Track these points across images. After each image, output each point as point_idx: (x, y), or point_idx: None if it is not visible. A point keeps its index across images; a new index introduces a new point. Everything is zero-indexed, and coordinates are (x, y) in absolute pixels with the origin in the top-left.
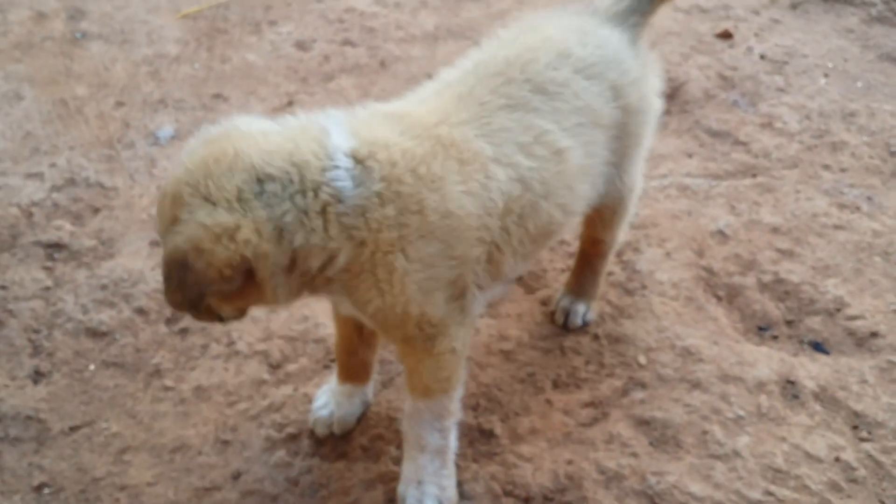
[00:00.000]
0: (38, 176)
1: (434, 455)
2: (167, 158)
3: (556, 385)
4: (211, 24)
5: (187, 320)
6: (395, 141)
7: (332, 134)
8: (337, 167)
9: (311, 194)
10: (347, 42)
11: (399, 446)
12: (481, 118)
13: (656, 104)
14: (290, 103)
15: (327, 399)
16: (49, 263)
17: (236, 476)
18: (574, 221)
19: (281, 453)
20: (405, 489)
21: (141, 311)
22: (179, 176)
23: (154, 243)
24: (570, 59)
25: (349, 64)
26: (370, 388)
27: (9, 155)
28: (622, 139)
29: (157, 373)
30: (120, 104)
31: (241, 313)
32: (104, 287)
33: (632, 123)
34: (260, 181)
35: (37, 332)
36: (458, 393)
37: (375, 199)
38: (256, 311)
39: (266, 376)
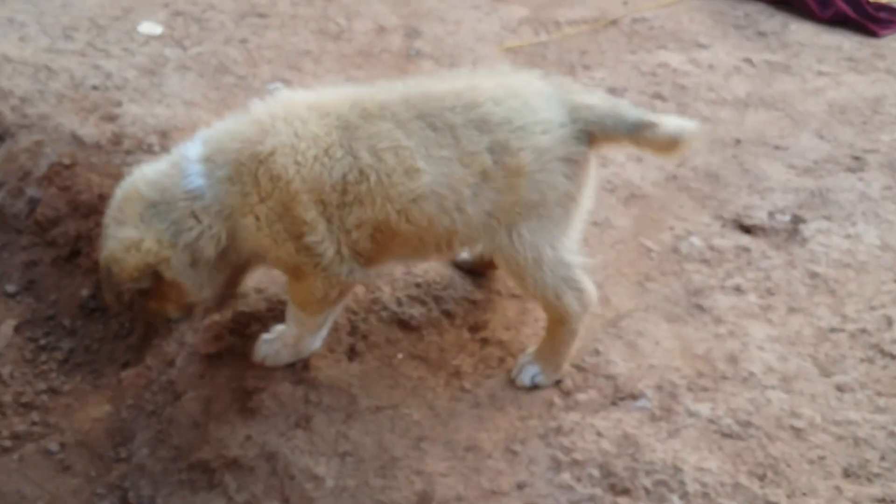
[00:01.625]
0: None
1: (290, 336)
2: None
3: (846, 474)
4: (529, 60)
5: (488, 330)
6: (238, 131)
7: (188, 150)
8: (189, 175)
9: (177, 205)
10: (658, 96)
11: None
12: (353, 117)
13: (568, 187)
14: None
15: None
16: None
17: (521, 487)
18: (428, 239)
19: (566, 476)
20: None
21: (448, 314)
22: (107, 210)
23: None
24: (471, 111)
25: None
26: None
27: None
28: (505, 196)
29: (457, 374)
30: None
31: (184, 311)
32: (418, 286)
33: (522, 187)
34: (150, 205)
35: (356, 314)
36: (320, 319)
37: (226, 182)
38: None
39: (556, 400)
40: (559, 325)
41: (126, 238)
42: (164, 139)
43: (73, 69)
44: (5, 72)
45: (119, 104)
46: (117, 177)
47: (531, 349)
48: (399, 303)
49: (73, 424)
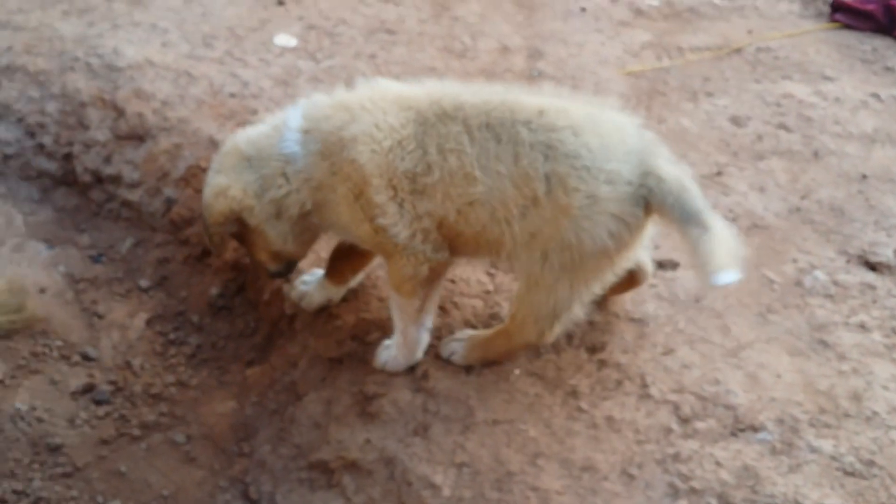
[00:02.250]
0: None
1: (399, 333)
2: None
3: None
4: (651, 85)
5: (606, 352)
6: (329, 115)
7: (289, 118)
8: (287, 140)
9: (270, 164)
10: (782, 126)
11: None
12: (430, 114)
13: (607, 244)
14: (719, 174)
15: (313, 280)
16: (492, 270)
17: None
18: (483, 243)
19: (682, 503)
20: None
21: (567, 336)
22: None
23: None
24: (546, 133)
25: (782, 147)
26: (340, 292)
27: None
28: (548, 226)
29: (574, 394)
30: None
31: (278, 263)
32: None
33: (564, 226)
34: (245, 158)
35: (474, 327)
36: (417, 303)
37: (318, 156)
38: (671, 362)
39: (674, 426)
40: (504, 335)
41: (217, 184)
42: None
43: (212, 76)
44: (148, 76)
45: (255, 112)
46: None
47: (470, 332)
48: None
49: (198, 418)
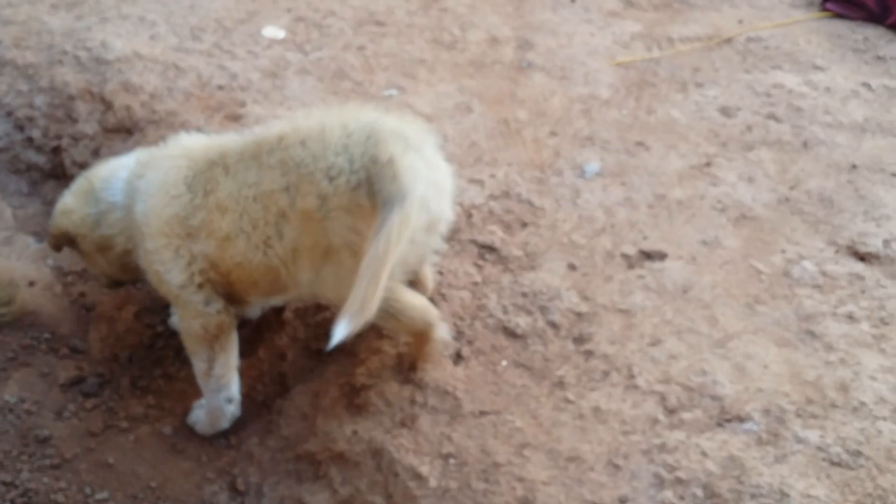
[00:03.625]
0: (479, 183)
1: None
2: (590, 192)
3: None
4: (641, 76)
5: (593, 343)
6: (133, 169)
7: (123, 163)
8: (112, 187)
9: (102, 205)
10: (772, 116)
11: None
12: (200, 162)
13: (350, 238)
14: (708, 164)
15: None
16: (480, 262)
17: (623, 501)
18: (257, 276)
19: (668, 493)
20: None
21: (553, 325)
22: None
23: (571, 266)
24: (281, 152)
25: (771, 138)
26: None
27: (457, 159)
28: (304, 238)
29: (561, 384)
30: (553, 133)
31: (111, 280)
32: (524, 295)
33: (314, 232)
34: (91, 191)
35: (462, 319)
36: (203, 365)
37: (120, 206)
38: (658, 353)
39: (661, 417)
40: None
41: (65, 204)
42: None
43: (201, 68)
44: (136, 68)
45: (243, 104)
46: None
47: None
48: (505, 311)
49: (186, 410)
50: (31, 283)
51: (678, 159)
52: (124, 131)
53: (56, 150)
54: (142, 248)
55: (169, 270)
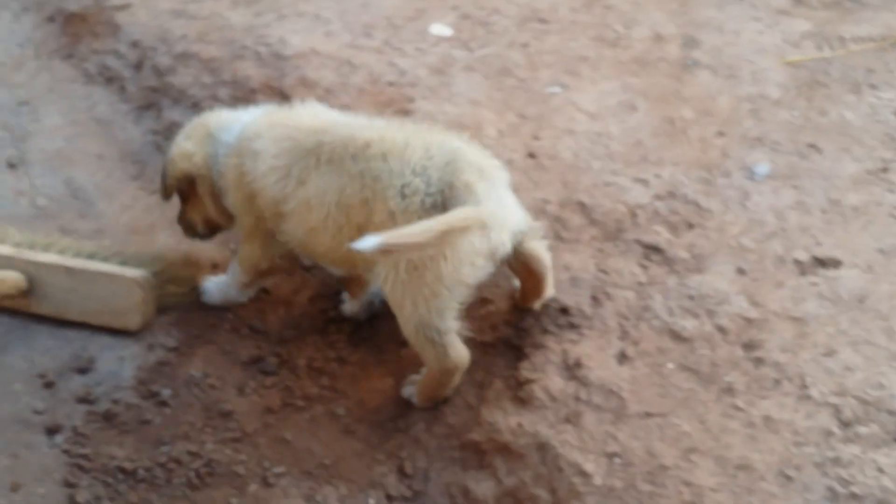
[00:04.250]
0: (644, 182)
1: (225, 284)
2: (760, 194)
3: None
4: (812, 76)
5: (764, 350)
6: (248, 127)
7: (246, 112)
8: (231, 130)
9: (216, 146)
10: None
11: None
12: (300, 149)
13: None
14: (885, 170)
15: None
16: (645, 262)
17: None
18: (335, 258)
19: None
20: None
21: (721, 329)
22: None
23: (740, 271)
24: (359, 162)
25: None
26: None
27: (621, 157)
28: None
29: (730, 390)
30: (720, 133)
31: (208, 227)
32: (691, 297)
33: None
34: (210, 135)
35: (626, 319)
36: (248, 280)
37: (231, 151)
38: (832, 364)
39: (835, 430)
40: (430, 371)
41: (185, 148)
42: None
43: (372, 65)
44: (313, 64)
45: (412, 100)
46: None
47: (416, 377)
48: (671, 312)
49: (357, 393)
50: (215, 265)
51: (852, 163)
52: None
53: None
54: (246, 200)
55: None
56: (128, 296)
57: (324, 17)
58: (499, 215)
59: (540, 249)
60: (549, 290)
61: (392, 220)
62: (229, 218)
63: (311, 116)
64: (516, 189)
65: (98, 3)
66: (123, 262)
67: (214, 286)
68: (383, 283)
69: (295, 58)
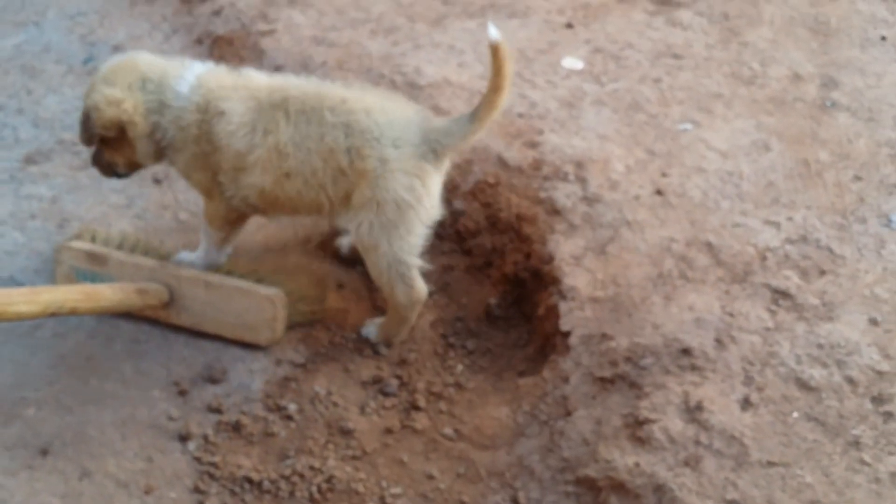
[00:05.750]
0: (775, 225)
1: (202, 249)
2: None
3: None
4: None
5: (894, 405)
6: (221, 86)
7: (194, 64)
8: (184, 80)
9: (164, 93)
10: None
11: None
12: (265, 104)
13: (405, 196)
14: None
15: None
16: (773, 307)
17: None
18: (300, 205)
19: None
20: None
21: (851, 381)
22: (98, 73)
23: (873, 321)
24: (346, 115)
25: None
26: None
27: (751, 198)
28: (355, 190)
29: (857, 444)
30: (857, 178)
31: (129, 168)
32: (820, 346)
33: (365, 187)
34: (143, 79)
35: (751, 364)
36: (221, 235)
37: (194, 109)
38: None
39: None
40: (392, 310)
41: (112, 95)
42: (580, 169)
43: None
44: (445, 94)
45: (541, 132)
46: (535, 200)
47: (379, 319)
48: (798, 360)
49: (473, 419)
50: (341, 286)
51: None
52: None
53: None
54: (202, 155)
55: (225, 185)
56: (261, 312)
57: (457, 48)
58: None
59: None
60: None
61: (384, 165)
62: (158, 159)
63: (263, 77)
64: (642, 225)
65: (245, 28)
66: (258, 280)
67: (195, 256)
68: (358, 226)
69: (428, 87)
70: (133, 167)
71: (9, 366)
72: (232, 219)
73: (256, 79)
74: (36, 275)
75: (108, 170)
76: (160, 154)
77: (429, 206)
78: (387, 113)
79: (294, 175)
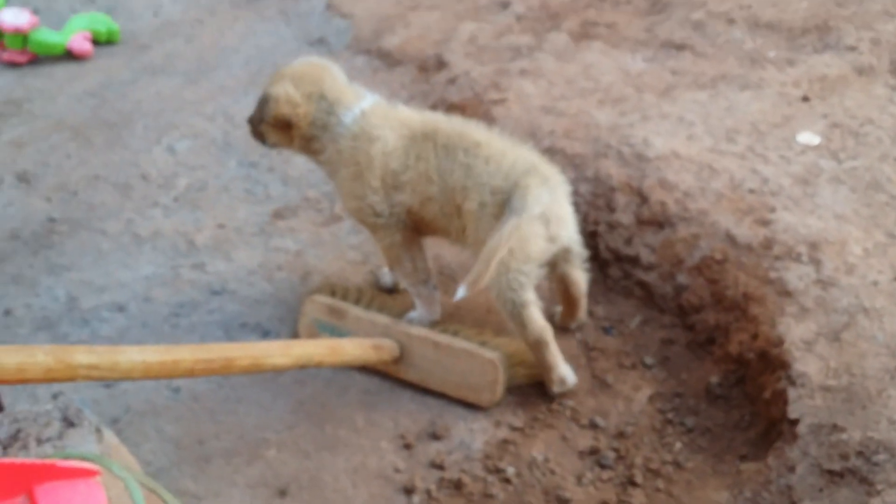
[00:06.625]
0: None
1: (415, 298)
2: None
3: None
4: None
5: None
6: (374, 118)
7: (363, 98)
8: (349, 110)
9: (330, 117)
10: None
11: None
12: (417, 133)
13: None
14: None
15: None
16: None
17: None
18: (443, 228)
19: None
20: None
21: None
22: (288, 67)
23: None
24: (469, 156)
25: None
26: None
27: None
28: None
29: None
30: None
31: (278, 146)
32: None
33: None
34: (321, 96)
35: None
36: (409, 265)
37: (352, 136)
38: None
39: None
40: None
41: (292, 96)
42: (813, 250)
43: (733, 170)
44: (673, 166)
45: (773, 209)
46: (764, 279)
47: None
48: None
49: (692, 501)
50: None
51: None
52: (656, 224)
53: (592, 235)
54: (357, 179)
55: (379, 203)
56: (484, 373)
57: (687, 120)
58: (555, 209)
59: (580, 275)
60: (583, 315)
61: (482, 209)
62: (310, 154)
63: (413, 112)
64: (880, 313)
65: (478, 97)
66: (482, 342)
67: (415, 315)
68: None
69: (656, 160)
70: (281, 146)
71: (254, 408)
72: (399, 242)
73: (410, 113)
74: (280, 323)
75: (259, 136)
76: (312, 152)
77: (522, 248)
78: (501, 162)
79: (434, 200)
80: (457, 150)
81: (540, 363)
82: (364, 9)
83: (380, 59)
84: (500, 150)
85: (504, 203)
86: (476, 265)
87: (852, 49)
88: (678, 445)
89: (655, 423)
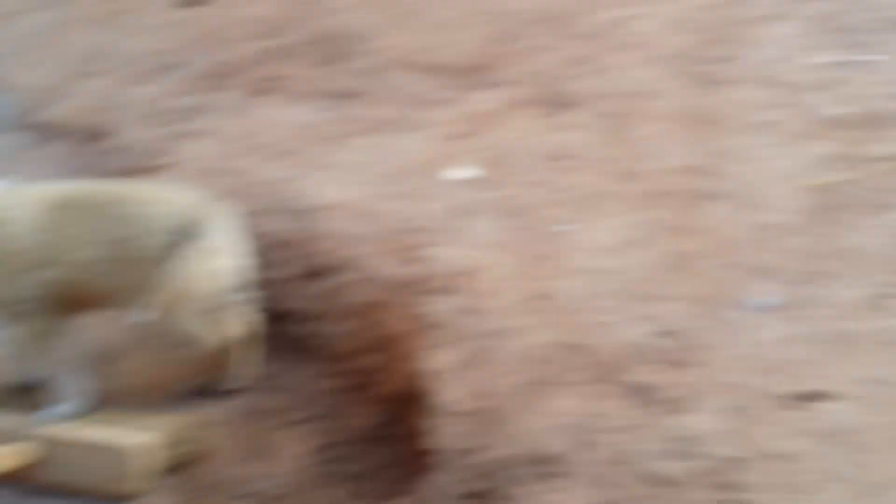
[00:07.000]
0: (643, 319)
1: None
2: (764, 328)
3: None
4: (832, 199)
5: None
6: (11, 200)
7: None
8: None
9: None
10: None
11: None
12: (56, 205)
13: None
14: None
15: None
16: (633, 402)
17: None
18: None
19: None
20: None
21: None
22: None
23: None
24: (116, 207)
25: None
26: None
27: (625, 294)
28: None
29: None
30: (729, 265)
31: None
32: (679, 439)
33: None
34: None
35: (615, 464)
36: (49, 359)
37: None
38: None
39: None
40: None
41: None
42: (463, 280)
43: (394, 212)
44: (337, 215)
45: (428, 246)
46: (413, 316)
47: None
48: (658, 456)
49: None
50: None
51: (864, 290)
52: (317, 275)
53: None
54: None
55: (23, 289)
56: (119, 464)
57: (355, 167)
58: (231, 242)
59: (238, 323)
60: (246, 371)
61: (166, 251)
62: None
63: (53, 184)
64: (520, 333)
65: (141, 164)
66: (140, 427)
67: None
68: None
69: (321, 209)
70: None
71: None
72: (47, 328)
73: (48, 186)
74: None
75: None
76: None
77: (202, 279)
78: (152, 205)
79: (100, 261)
80: (102, 206)
81: (220, 362)
82: (29, 79)
83: (43, 131)
84: (166, 194)
85: (183, 241)
86: (160, 294)
87: (513, 83)
88: (342, 493)
89: (321, 475)
